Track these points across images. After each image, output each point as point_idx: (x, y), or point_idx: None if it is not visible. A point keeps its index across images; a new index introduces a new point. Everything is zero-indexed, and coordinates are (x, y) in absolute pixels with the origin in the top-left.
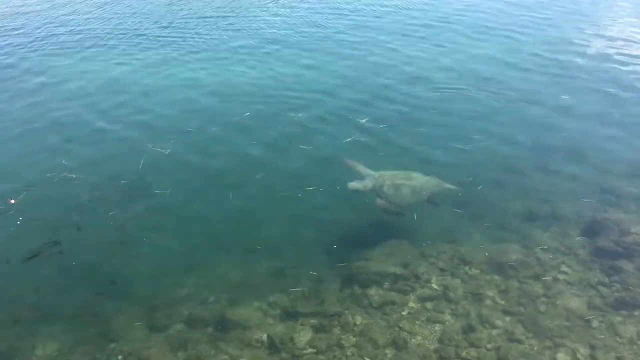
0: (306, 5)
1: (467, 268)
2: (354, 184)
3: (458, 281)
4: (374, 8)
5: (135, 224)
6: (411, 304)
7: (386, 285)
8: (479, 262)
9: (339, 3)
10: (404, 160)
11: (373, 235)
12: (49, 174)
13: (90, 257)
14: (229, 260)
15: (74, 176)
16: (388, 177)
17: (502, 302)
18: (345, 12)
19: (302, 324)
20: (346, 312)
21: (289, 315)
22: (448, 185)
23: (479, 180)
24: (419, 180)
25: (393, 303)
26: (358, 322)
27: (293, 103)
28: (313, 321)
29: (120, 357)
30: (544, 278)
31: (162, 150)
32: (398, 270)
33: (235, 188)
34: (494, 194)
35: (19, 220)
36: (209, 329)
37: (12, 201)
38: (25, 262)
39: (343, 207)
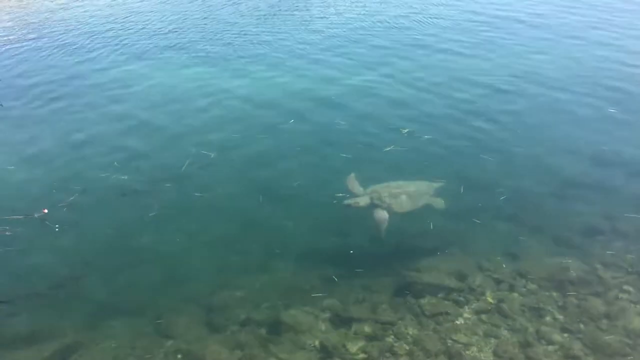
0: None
1: (524, 282)
2: (348, 201)
3: (515, 295)
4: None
5: (176, 226)
6: (466, 316)
7: (440, 295)
8: (536, 277)
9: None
10: (447, 170)
11: (424, 245)
12: (102, 174)
13: (140, 258)
14: (279, 265)
15: (125, 177)
16: (382, 189)
17: (561, 319)
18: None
19: (354, 331)
20: (399, 321)
21: (342, 321)
22: (438, 184)
23: (537, 192)
24: (412, 186)
25: (447, 314)
26: (411, 331)
27: (338, 111)
28: (366, 328)
29: (179, 355)
30: (605, 296)
31: (208, 153)
32: (452, 282)
33: (273, 193)
34: (553, 207)
35: (56, 227)
36: (263, 332)
37: (45, 211)
38: (78, 262)
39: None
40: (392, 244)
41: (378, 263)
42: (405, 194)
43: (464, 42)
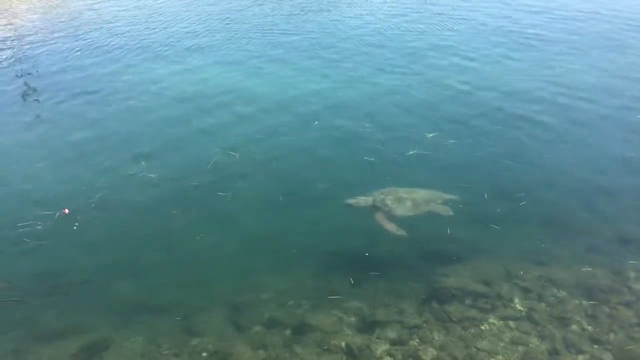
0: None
1: (553, 290)
2: (351, 200)
3: (543, 303)
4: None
5: (200, 225)
6: (492, 323)
7: (467, 301)
8: (566, 285)
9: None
10: (469, 176)
11: (450, 250)
12: (130, 172)
13: (166, 255)
14: (304, 266)
15: (153, 176)
16: (389, 193)
17: (590, 328)
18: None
19: (379, 334)
20: (425, 325)
21: (367, 324)
22: (448, 196)
23: (565, 200)
24: (420, 193)
25: (473, 320)
26: (437, 336)
27: (364, 113)
28: (391, 332)
29: (205, 354)
30: (636, 305)
31: (233, 153)
32: (479, 288)
33: (297, 195)
34: (582, 215)
35: (75, 225)
36: (288, 332)
37: (66, 211)
38: (105, 258)
39: (411, 220)
40: (418, 248)
41: (404, 267)
42: (410, 200)
43: (494, 49)
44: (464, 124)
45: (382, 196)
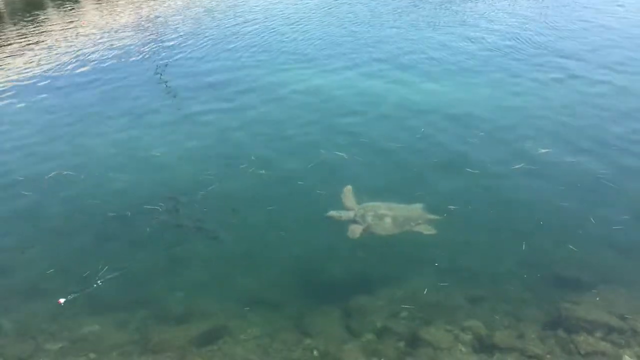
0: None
1: None
2: (332, 212)
3: None
4: None
5: (299, 222)
6: None
7: (597, 334)
8: None
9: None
10: (570, 197)
11: (582, 277)
12: (242, 166)
13: (277, 254)
14: (420, 277)
15: (263, 172)
16: (370, 208)
17: None
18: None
19: (497, 358)
20: (548, 355)
21: (483, 345)
22: (431, 216)
23: None
24: (402, 210)
25: (603, 355)
26: None
27: (473, 123)
28: (509, 357)
29: (316, 353)
30: None
31: (340, 154)
32: (612, 321)
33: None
34: None
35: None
36: (400, 343)
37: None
38: (223, 254)
39: (537, 238)
40: (545, 272)
41: (528, 289)
42: (391, 217)
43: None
44: (586, 140)
45: (362, 211)
